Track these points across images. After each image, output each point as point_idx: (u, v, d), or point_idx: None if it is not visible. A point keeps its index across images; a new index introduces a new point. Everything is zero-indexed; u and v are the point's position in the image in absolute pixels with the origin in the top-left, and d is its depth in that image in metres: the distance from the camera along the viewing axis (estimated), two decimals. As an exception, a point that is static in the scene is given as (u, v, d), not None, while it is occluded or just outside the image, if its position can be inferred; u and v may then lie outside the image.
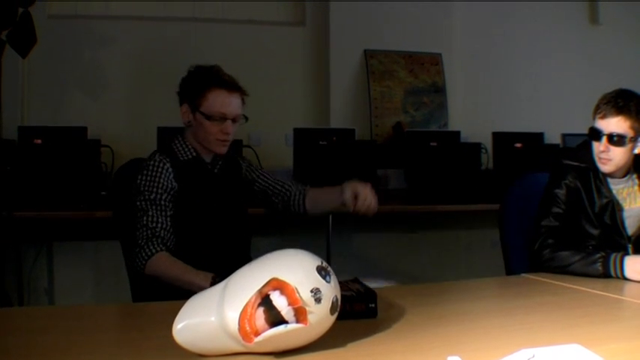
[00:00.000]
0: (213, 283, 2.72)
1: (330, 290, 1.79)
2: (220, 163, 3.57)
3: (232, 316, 1.73)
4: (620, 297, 2.76)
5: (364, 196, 3.47)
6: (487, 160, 7.05)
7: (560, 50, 8.46)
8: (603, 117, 3.23)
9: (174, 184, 3.31)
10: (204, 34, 7.04)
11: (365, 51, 7.29)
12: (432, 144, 6.69)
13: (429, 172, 6.57)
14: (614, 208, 3.30)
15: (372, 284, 2.40)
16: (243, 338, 1.72)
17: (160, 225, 3.18)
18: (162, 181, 3.27)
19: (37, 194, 5.62)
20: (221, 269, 2.72)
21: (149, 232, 3.14)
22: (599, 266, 3.02)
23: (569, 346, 1.80)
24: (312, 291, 1.74)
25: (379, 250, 7.05)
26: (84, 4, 6.86)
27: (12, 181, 5.61)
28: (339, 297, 1.83)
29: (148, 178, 3.27)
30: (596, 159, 3.31)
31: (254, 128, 6.43)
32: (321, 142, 6.37)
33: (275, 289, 1.73)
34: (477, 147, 6.86)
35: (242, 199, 3.67)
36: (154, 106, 6.65)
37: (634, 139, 3.23)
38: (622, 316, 2.50)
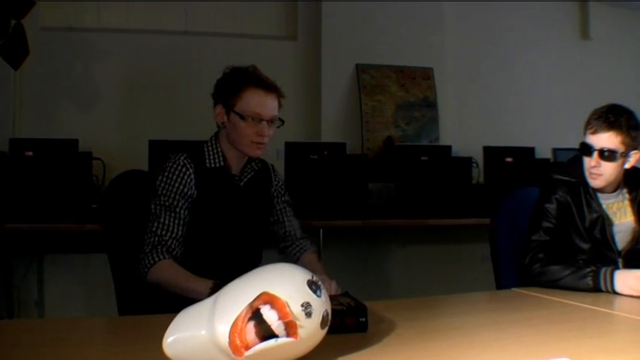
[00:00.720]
0: (214, 289, 2.69)
1: (321, 304, 1.79)
2: (250, 176, 3.50)
3: (223, 330, 1.73)
4: (610, 311, 2.76)
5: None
6: (478, 174, 7.06)
7: (551, 65, 8.50)
8: (594, 132, 3.24)
9: (193, 190, 3.26)
10: (197, 47, 7.06)
11: (357, 65, 7.31)
12: (422, 158, 6.70)
13: (419, 187, 6.58)
14: (604, 222, 3.31)
15: (363, 298, 2.40)
16: (234, 352, 1.72)
17: (169, 233, 3.15)
18: (181, 186, 3.23)
19: (28, 207, 5.61)
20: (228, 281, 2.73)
21: (156, 239, 3.11)
22: (589, 280, 3.03)
23: (559, 359, 1.80)
24: (302, 305, 1.74)
25: (370, 264, 7.05)
26: (77, 16, 6.88)
27: (3, 193, 5.60)
28: (329, 311, 1.83)
29: (167, 181, 3.23)
30: (587, 174, 3.32)
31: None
32: (312, 156, 6.37)
33: (265, 303, 1.73)
34: (467, 161, 6.88)
35: (264, 215, 3.63)
36: (145, 119, 6.68)
37: (625, 154, 3.24)
38: (612, 330, 2.51)
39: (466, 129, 7.79)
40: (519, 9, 8.54)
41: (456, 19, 8.08)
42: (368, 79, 7.35)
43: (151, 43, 6.99)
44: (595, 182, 3.31)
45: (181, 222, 3.20)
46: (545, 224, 3.33)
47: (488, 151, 7.08)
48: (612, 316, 2.74)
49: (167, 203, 3.19)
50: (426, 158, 6.70)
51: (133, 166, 3.70)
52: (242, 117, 3.25)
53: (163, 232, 3.13)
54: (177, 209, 3.19)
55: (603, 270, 3.02)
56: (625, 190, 3.43)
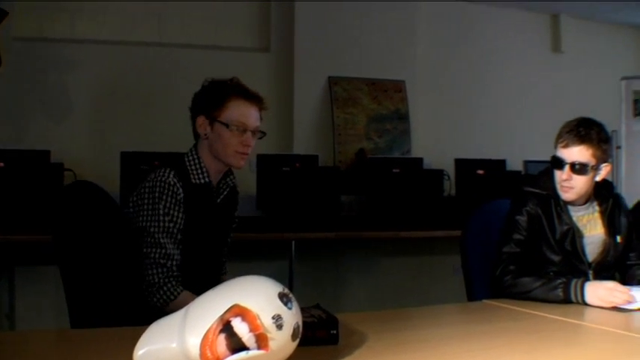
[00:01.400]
0: None
1: (292, 317, 1.79)
2: (226, 192, 3.47)
3: (194, 343, 1.73)
4: (580, 322, 2.78)
5: None
6: (449, 186, 7.09)
7: (523, 78, 8.56)
8: (565, 146, 3.26)
9: (182, 211, 3.21)
10: (170, 59, 7.05)
11: (329, 77, 7.33)
12: (394, 170, 6.72)
13: (391, 199, 6.60)
14: (574, 234, 3.33)
15: (334, 310, 2.41)
16: (205, 364, 1.72)
17: (175, 262, 3.14)
18: (176, 209, 3.17)
19: (-1, 218, 5.57)
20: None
21: (166, 270, 3.09)
22: (560, 292, 3.04)
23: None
24: (273, 317, 1.74)
25: (341, 276, 7.06)
26: (50, 26, 6.86)
27: (-27, 204, 5.56)
28: (300, 323, 1.83)
29: (168, 204, 3.15)
30: (558, 187, 3.34)
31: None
32: (284, 168, 6.39)
33: (236, 315, 1.73)
34: (439, 173, 6.91)
35: (229, 232, 3.60)
36: (117, 131, 6.66)
37: (596, 167, 3.26)
38: (581, 341, 2.53)
39: (438, 141, 7.82)
40: (492, 22, 8.60)
41: (428, 32, 8.12)
42: (340, 91, 7.36)
43: (125, 54, 6.96)
44: (566, 195, 3.33)
45: (179, 245, 3.18)
46: (516, 236, 3.34)
47: (459, 163, 7.11)
48: (582, 327, 2.76)
49: (169, 227, 3.14)
50: (397, 170, 6.73)
51: (105, 178, 3.69)
52: (227, 126, 3.22)
53: (171, 263, 3.12)
54: (176, 231, 3.17)
55: (574, 281, 3.04)
56: (595, 203, 3.45)
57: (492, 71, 8.50)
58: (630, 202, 4.06)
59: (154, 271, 3.09)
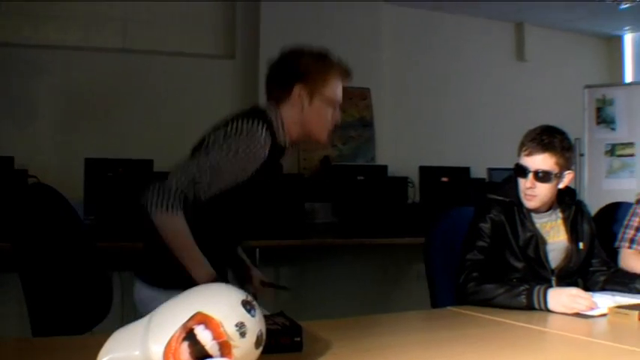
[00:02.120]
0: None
1: (255, 324, 1.79)
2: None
3: (157, 351, 1.72)
4: (543, 329, 2.80)
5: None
6: (414, 193, 7.11)
7: (487, 85, 8.62)
8: (529, 154, 3.28)
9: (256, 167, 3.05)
10: (135, 65, 7.02)
11: (294, 84, 7.32)
12: (359, 178, 6.73)
13: (356, 206, 6.60)
14: (537, 241, 3.35)
15: (298, 318, 2.40)
16: (168, 372, 1.71)
17: (198, 196, 2.94)
18: (250, 166, 3.01)
19: (-40, 225, 5.51)
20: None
21: (184, 191, 2.87)
22: (523, 299, 3.05)
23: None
24: (236, 325, 1.74)
25: (305, 283, 7.04)
26: (14, 31, 6.79)
27: None
28: (264, 331, 1.83)
29: (247, 149, 2.95)
30: (522, 195, 3.36)
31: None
32: (249, 176, 6.37)
33: (200, 323, 1.73)
34: (403, 181, 6.92)
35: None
36: (82, 137, 6.61)
37: (559, 175, 3.29)
38: (544, 347, 2.54)
39: (402, 149, 7.84)
40: (457, 30, 8.66)
41: (394, 39, 8.15)
42: (305, 98, 7.36)
43: (89, 59, 6.92)
44: (530, 203, 3.35)
45: (211, 194, 2.98)
46: (480, 243, 3.36)
47: (423, 170, 7.13)
48: (545, 334, 2.78)
49: (225, 168, 2.95)
50: (362, 178, 6.73)
51: (70, 184, 3.66)
52: (330, 104, 3.20)
53: (199, 190, 2.93)
54: (226, 181, 2.99)
55: (537, 288, 3.06)
56: (558, 210, 3.48)
57: (457, 79, 8.54)
58: (593, 209, 4.10)
59: (178, 178, 2.90)
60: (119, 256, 4.14)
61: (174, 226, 2.86)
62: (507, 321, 2.84)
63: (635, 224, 3.82)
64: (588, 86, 7.35)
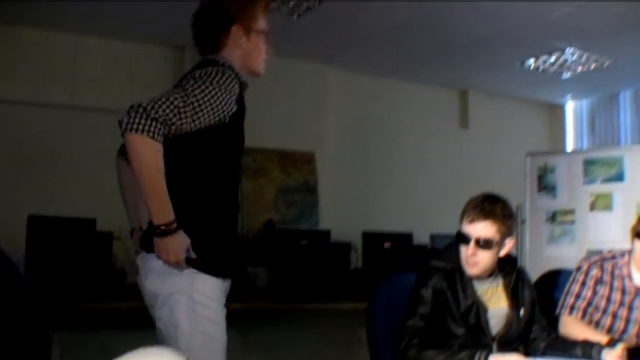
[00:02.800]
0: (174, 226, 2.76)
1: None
2: None
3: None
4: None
5: None
6: (357, 259, 7.10)
7: (431, 152, 8.71)
8: (471, 222, 3.30)
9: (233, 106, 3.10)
10: (80, 121, 6.99)
11: (239, 148, 7.33)
12: (302, 242, 6.71)
13: (298, 270, 6.57)
14: (478, 308, 3.35)
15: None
16: None
17: (180, 124, 2.88)
18: (230, 96, 3.05)
19: None
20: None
21: (167, 120, 2.81)
22: (464, 365, 3.06)
23: None
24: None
25: (247, 347, 6.98)
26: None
27: None
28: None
29: (222, 82, 2.99)
30: (464, 262, 3.37)
31: (125, 220, 6.28)
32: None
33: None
34: (346, 246, 6.91)
35: None
36: (25, 194, 6.54)
37: (500, 243, 3.31)
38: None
39: (346, 214, 7.86)
40: (402, 96, 8.76)
41: (339, 104, 8.21)
42: (250, 162, 7.37)
43: (35, 115, 6.88)
44: (472, 270, 3.36)
45: (196, 127, 2.95)
46: (421, 310, 3.35)
47: (367, 236, 7.14)
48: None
49: (208, 103, 2.94)
50: (305, 242, 6.72)
51: (11, 242, 3.58)
52: (263, 34, 3.30)
53: (182, 124, 2.88)
54: (209, 114, 2.96)
55: (477, 354, 3.06)
56: (499, 276, 3.49)
57: (401, 145, 8.61)
58: (534, 276, 4.12)
59: (164, 101, 2.86)
60: (60, 316, 4.08)
61: (147, 151, 2.78)
62: (448, 388, 2.83)
63: (576, 291, 3.86)
64: (530, 154, 7.44)
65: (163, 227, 2.76)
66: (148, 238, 2.89)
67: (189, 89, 2.90)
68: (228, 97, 3.02)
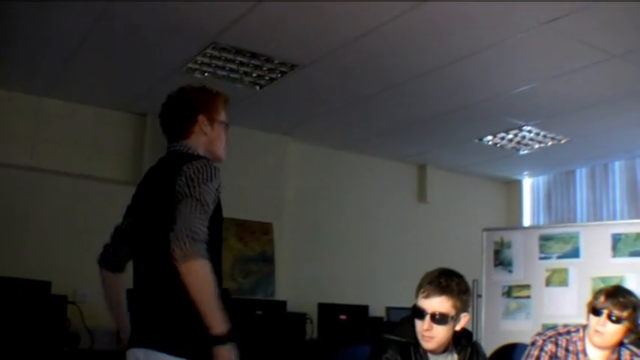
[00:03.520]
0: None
1: None
2: None
3: None
4: None
5: None
6: (312, 330, 7.09)
7: (388, 225, 8.75)
8: (427, 296, 3.31)
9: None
10: (41, 183, 6.95)
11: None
12: (258, 312, 6.69)
13: (254, 341, 6.53)
14: (433, 382, 3.36)
15: None
16: None
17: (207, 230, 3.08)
18: (217, 185, 3.22)
19: None
20: None
21: (203, 229, 3.03)
22: None
23: None
24: None
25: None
26: None
27: None
28: None
29: (216, 184, 3.19)
30: (419, 336, 3.37)
31: (80, 284, 6.25)
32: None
33: None
34: (302, 317, 6.91)
35: None
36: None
37: (455, 318, 3.32)
38: None
39: (302, 285, 7.84)
40: (360, 170, 8.81)
41: (298, 175, 8.25)
42: (208, 230, 7.35)
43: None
44: (427, 345, 3.36)
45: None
46: (376, 382, 3.35)
47: (322, 307, 7.14)
48: None
49: (210, 202, 3.14)
50: (261, 312, 6.70)
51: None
52: (225, 125, 3.51)
53: (206, 227, 3.08)
54: (209, 212, 3.15)
55: None
56: (454, 351, 3.49)
57: (359, 218, 8.65)
58: (489, 350, 4.14)
59: (196, 228, 3.02)
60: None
61: (207, 271, 3.03)
62: None
63: (531, 365, 3.88)
64: (487, 229, 7.48)
65: (226, 336, 3.11)
66: (184, 343, 3.13)
67: (198, 195, 3.09)
68: (218, 185, 3.22)
